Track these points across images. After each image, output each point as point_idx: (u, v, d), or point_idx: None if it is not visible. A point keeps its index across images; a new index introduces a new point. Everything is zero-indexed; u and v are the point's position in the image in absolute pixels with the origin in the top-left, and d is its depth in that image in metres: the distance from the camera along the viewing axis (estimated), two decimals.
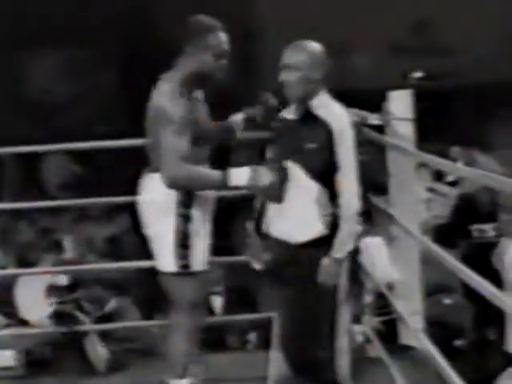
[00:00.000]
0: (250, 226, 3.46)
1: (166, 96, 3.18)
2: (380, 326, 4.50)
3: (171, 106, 3.16)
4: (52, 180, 10.44)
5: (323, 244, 3.20)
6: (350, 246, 3.22)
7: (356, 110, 4.17)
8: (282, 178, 3.21)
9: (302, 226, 3.22)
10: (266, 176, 3.18)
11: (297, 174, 3.22)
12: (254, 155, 3.52)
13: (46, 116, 10.35)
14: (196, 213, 3.30)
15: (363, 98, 4.43)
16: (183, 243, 3.27)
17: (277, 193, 3.21)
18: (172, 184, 3.17)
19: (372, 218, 3.40)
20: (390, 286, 4.38)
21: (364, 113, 4.21)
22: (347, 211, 3.20)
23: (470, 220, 4.74)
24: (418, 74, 11.65)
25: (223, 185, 3.19)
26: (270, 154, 3.36)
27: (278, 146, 3.32)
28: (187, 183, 3.20)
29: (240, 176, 3.18)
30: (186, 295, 3.33)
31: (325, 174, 3.19)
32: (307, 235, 3.22)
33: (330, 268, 3.20)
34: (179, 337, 3.36)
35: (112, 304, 4.73)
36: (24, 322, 4.87)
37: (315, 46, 3.26)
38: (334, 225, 3.20)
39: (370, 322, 4.46)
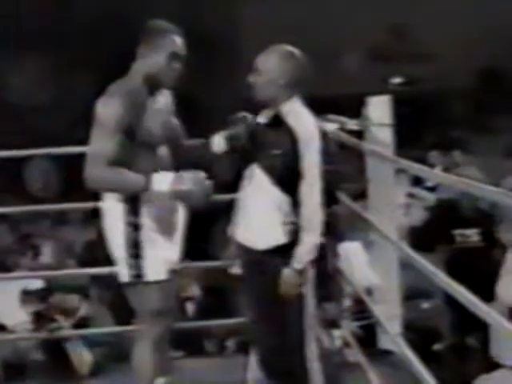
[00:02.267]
0: (229, 230, 3.44)
1: (103, 99, 3.11)
2: (358, 331, 4.49)
3: (105, 108, 3.08)
4: (34, 183, 10.39)
5: (285, 252, 3.18)
6: (310, 257, 3.20)
7: (334, 116, 4.17)
8: (207, 186, 3.11)
9: (264, 233, 3.21)
10: (189, 183, 3.08)
11: (261, 179, 3.21)
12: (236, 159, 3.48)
13: (27, 120, 10.29)
14: (146, 221, 3.18)
15: (342, 103, 4.43)
16: (134, 253, 3.17)
17: (198, 201, 3.11)
18: (91, 185, 3.08)
19: (333, 229, 3.36)
20: (369, 291, 4.37)
21: (342, 118, 4.21)
22: (309, 222, 3.17)
23: (450, 224, 4.74)
24: (397, 80, 11.68)
25: (145, 189, 3.09)
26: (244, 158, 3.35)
27: (249, 150, 3.30)
28: (107, 186, 3.12)
29: (162, 181, 3.08)
30: (145, 305, 3.24)
31: (288, 181, 3.17)
32: (268, 243, 3.21)
33: (291, 279, 3.18)
34: (143, 347, 3.28)
35: (83, 311, 4.67)
36: (2, 328, 4.82)
37: (287, 52, 3.23)
38: (295, 234, 3.18)
39: (349, 327, 4.45)
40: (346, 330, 4.40)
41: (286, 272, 3.19)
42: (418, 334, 4.29)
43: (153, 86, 3.22)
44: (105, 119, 3.07)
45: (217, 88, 9.98)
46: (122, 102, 3.07)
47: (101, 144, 3.07)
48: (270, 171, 3.19)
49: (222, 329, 4.70)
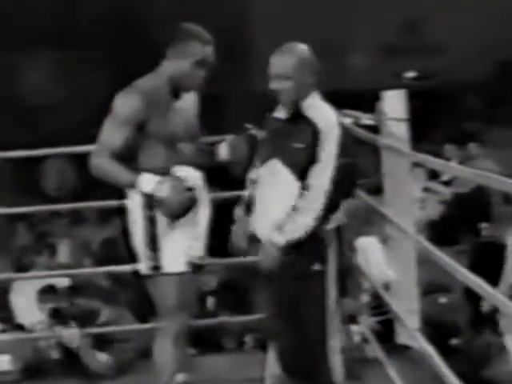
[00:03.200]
0: (238, 211, 3.44)
1: (123, 92, 3.22)
2: (377, 326, 4.48)
3: (122, 101, 3.20)
4: (50, 183, 10.43)
5: (308, 248, 3.17)
6: (293, 237, 3.16)
7: (349, 111, 4.16)
8: (189, 197, 3.21)
9: (285, 227, 3.18)
10: (164, 191, 3.16)
11: (283, 173, 3.20)
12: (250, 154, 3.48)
13: (39, 119, 10.31)
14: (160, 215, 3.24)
15: (357, 98, 4.41)
16: (152, 245, 3.25)
17: (174, 210, 3.19)
18: (92, 172, 3.23)
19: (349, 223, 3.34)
20: (386, 286, 4.37)
21: (357, 113, 4.20)
22: (309, 204, 3.13)
23: (475, 217, 4.72)
24: (411, 74, 11.63)
25: (131, 187, 3.21)
26: (260, 153, 3.35)
27: (267, 146, 3.30)
28: (103, 176, 3.22)
29: (146, 183, 3.17)
30: (164, 298, 3.28)
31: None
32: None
33: (267, 250, 3.18)
34: (164, 343, 3.30)
35: (105, 315, 4.65)
36: (20, 327, 4.84)
37: (303, 49, 3.23)
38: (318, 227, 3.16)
39: (367, 322, 4.44)
40: (365, 325, 4.40)
41: (267, 245, 3.18)
42: (436, 329, 4.28)
43: (175, 88, 3.29)
44: (119, 112, 3.19)
45: (231, 82, 9.96)
46: (140, 98, 3.17)
47: (110, 135, 3.20)
48: (293, 165, 3.18)
49: (240, 325, 4.70)
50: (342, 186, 3.18)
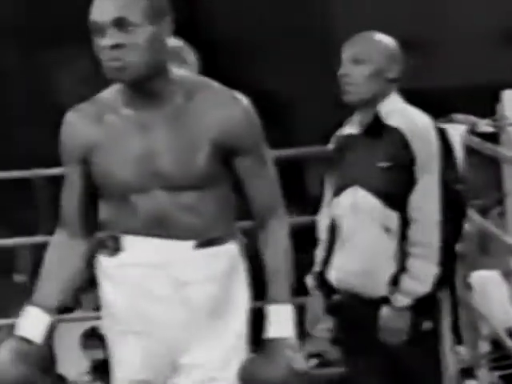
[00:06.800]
0: (309, 281, 3.28)
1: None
2: (499, 382, 4.42)
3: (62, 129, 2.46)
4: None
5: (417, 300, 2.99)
6: (419, 291, 2.99)
7: (462, 116, 4.11)
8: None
9: (379, 273, 3.03)
10: (6, 352, 2.30)
11: (368, 204, 3.04)
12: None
13: None
14: (107, 291, 2.40)
15: (471, 99, 4.34)
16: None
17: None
18: None
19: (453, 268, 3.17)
20: None
21: (472, 118, 4.14)
22: (421, 246, 2.97)
23: None
24: None
25: None
26: (331, 179, 3.23)
27: (341, 171, 3.16)
28: None
29: (20, 323, 2.34)
30: None
31: (406, 199, 3.00)
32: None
33: (392, 321, 2.99)
34: None
35: None
36: (61, 379, 4.89)
37: (385, 37, 3.17)
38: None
39: (487, 377, 4.37)
40: (484, 380, 4.33)
41: (385, 313, 3.02)
42: None
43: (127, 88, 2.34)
44: (61, 146, 2.43)
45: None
46: (82, 122, 2.40)
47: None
48: (381, 191, 3.03)
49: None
50: (455, 213, 3.04)
